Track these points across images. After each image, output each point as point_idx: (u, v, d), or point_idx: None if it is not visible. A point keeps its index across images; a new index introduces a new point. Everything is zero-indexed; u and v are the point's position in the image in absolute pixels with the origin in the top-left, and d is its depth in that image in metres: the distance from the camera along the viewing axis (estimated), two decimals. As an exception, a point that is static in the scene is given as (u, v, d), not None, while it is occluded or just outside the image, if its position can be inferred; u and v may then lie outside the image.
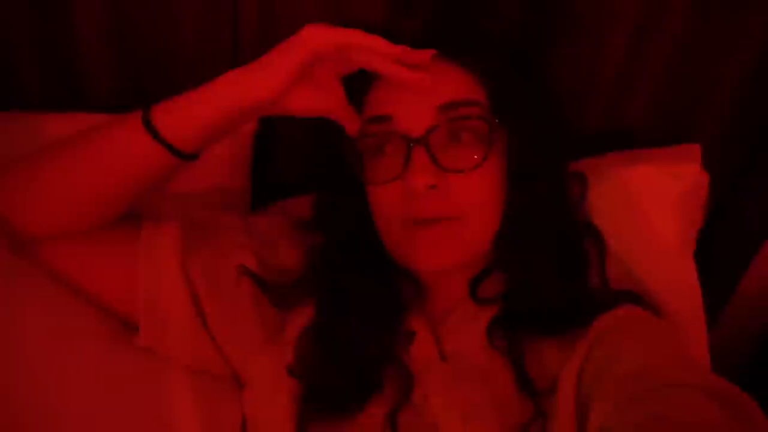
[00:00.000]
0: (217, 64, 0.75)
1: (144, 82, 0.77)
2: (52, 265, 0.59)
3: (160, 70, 0.76)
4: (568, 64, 0.77)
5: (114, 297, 0.61)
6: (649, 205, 0.68)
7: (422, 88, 0.56)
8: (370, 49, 0.54)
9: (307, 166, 0.82)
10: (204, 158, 0.61)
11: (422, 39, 0.61)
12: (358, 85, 0.62)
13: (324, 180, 0.71)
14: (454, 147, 0.58)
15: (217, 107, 0.55)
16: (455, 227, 0.58)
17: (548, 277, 0.61)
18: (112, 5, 0.73)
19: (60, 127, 0.70)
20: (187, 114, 0.56)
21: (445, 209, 0.58)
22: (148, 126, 0.55)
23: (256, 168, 0.81)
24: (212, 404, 0.62)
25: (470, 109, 0.58)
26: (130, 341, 0.60)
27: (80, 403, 0.56)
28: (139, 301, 0.59)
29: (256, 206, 0.82)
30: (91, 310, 0.60)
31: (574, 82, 0.78)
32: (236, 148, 0.76)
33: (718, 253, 0.85)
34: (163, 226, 0.62)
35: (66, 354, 0.57)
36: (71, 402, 0.55)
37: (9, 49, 0.75)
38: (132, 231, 0.61)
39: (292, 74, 0.54)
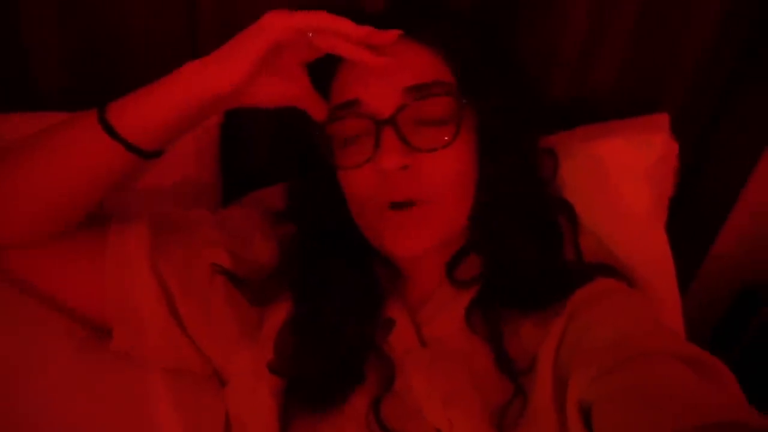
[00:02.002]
0: (174, 52, 0.73)
1: (97, 76, 0.74)
2: (16, 274, 0.58)
3: (114, 61, 0.73)
4: (532, 36, 0.76)
5: (84, 304, 0.60)
6: (620, 178, 0.68)
7: (388, 71, 0.55)
8: (335, 31, 0.52)
9: (277, 155, 0.80)
10: (170, 153, 0.59)
11: (386, 19, 0.60)
12: (323, 70, 0.61)
13: (294, 167, 0.70)
14: (423, 126, 0.58)
15: (176, 101, 0.54)
16: (428, 211, 0.58)
17: (523, 253, 0.62)
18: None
19: (10, 128, 0.67)
20: (143, 110, 0.54)
21: (418, 191, 0.58)
22: (104, 125, 0.53)
23: (225, 159, 0.79)
24: (193, 403, 0.61)
25: (437, 89, 0.58)
26: (104, 346, 0.59)
27: (58, 411, 0.55)
28: (111, 306, 0.58)
29: (229, 198, 0.80)
30: (60, 317, 0.59)
31: (539, 54, 0.77)
32: (202, 140, 0.74)
33: (689, 219, 0.86)
34: (130, 226, 0.61)
35: (37, 359, 0.56)
36: (48, 412, 0.54)
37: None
38: (99, 234, 0.60)
39: (254, 63, 0.53)
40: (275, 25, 0.52)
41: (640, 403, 0.44)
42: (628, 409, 0.44)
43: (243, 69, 0.53)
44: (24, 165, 0.55)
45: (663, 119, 0.73)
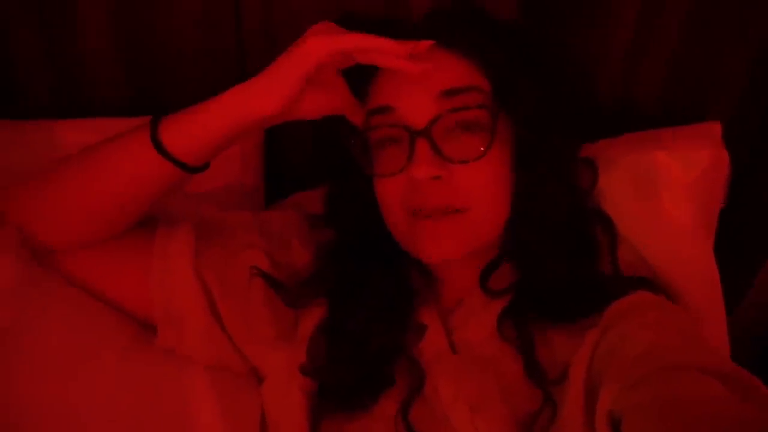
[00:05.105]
0: (222, 65, 0.76)
1: (150, 84, 0.78)
2: (71, 273, 0.62)
3: (166, 70, 0.77)
4: (579, 41, 0.75)
5: (132, 302, 0.63)
6: (663, 191, 0.65)
7: (422, 78, 0.56)
8: (377, 51, 0.54)
9: (320, 157, 0.82)
10: (217, 157, 0.61)
11: (422, 28, 0.61)
12: (360, 76, 0.62)
13: (333, 172, 0.71)
14: (457, 137, 0.58)
15: (224, 124, 0.56)
16: (460, 219, 0.58)
17: (558, 266, 0.61)
18: (115, 12, 0.73)
19: (71, 133, 0.72)
20: (194, 131, 0.57)
21: (450, 200, 0.58)
22: (156, 144, 0.56)
23: (269, 161, 0.81)
24: (232, 399, 0.64)
25: (471, 96, 0.58)
26: (151, 341, 0.62)
27: (103, 401, 0.58)
28: (156, 306, 0.61)
29: (271, 199, 0.82)
30: (113, 312, 0.63)
31: (585, 59, 0.76)
32: (248, 145, 0.77)
33: (744, 229, 0.83)
34: (176, 230, 0.64)
35: (89, 354, 0.59)
36: (95, 401, 0.58)
37: (16, 59, 0.76)
38: (147, 236, 0.63)
39: (297, 87, 0.55)
40: (318, 48, 0.54)
41: (669, 417, 0.43)
42: (658, 422, 0.43)
43: (286, 93, 0.55)
44: (79, 176, 0.59)
45: (715, 128, 0.70)
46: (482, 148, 0.57)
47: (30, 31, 0.75)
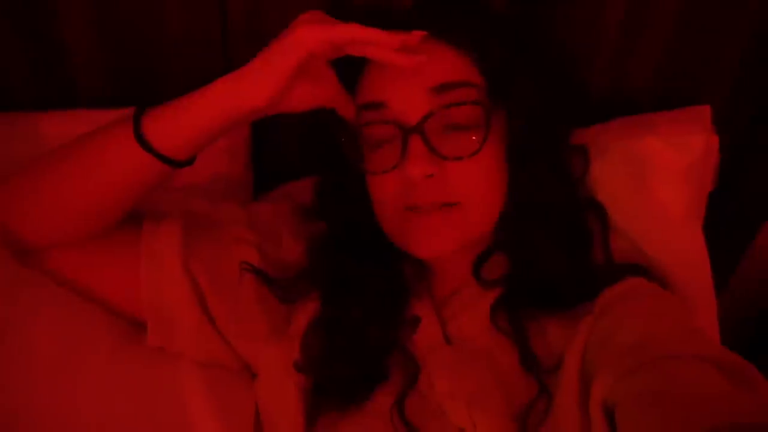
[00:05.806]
0: (206, 52, 0.74)
1: (134, 75, 0.76)
2: (56, 272, 0.60)
3: (150, 61, 0.75)
4: (569, 25, 0.74)
5: (120, 300, 0.62)
6: (656, 178, 0.66)
7: (415, 72, 0.55)
8: (369, 43, 0.53)
9: (308, 149, 0.81)
10: (204, 150, 0.60)
11: (413, 20, 0.60)
12: (351, 68, 0.60)
13: (323, 165, 0.70)
14: (450, 133, 0.57)
15: (211, 117, 0.54)
16: (453, 214, 0.58)
17: (551, 255, 0.61)
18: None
19: (54, 126, 0.70)
20: (178, 125, 0.55)
21: (443, 196, 0.57)
22: (140, 140, 0.55)
23: (257, 152, 0.80)
24: (225, 396, 0.63)
25: (464, 90, 0.57)
26: (141, 339, 0.61)
27: (95, 402, 0.57)
28: (144, 303, 0.60)
29: (260, 190, 0.81)
30: (102, 312, 0.61)
31: (576, 44, 0.75)
32: (234, 136, 0.76)
33: (728, 218, 0.83)
34: (163, 225, 0.62)
35: (78, 355, 0.58)
36: (85, 402, 0.57)
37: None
38: (133, 232, 0.62)
39: (287, 78, 0.53)
40: (309, 38, 0.52)
41: (664, 404, 0.43)
42: (653, 410, 0.43)
43: (276, 85, 0.53)
44: (61, 173, 0.57)
45: (704, 111, 0.70)
46: (477, 145, 0.56)
47: (9, 20, 0.72)
